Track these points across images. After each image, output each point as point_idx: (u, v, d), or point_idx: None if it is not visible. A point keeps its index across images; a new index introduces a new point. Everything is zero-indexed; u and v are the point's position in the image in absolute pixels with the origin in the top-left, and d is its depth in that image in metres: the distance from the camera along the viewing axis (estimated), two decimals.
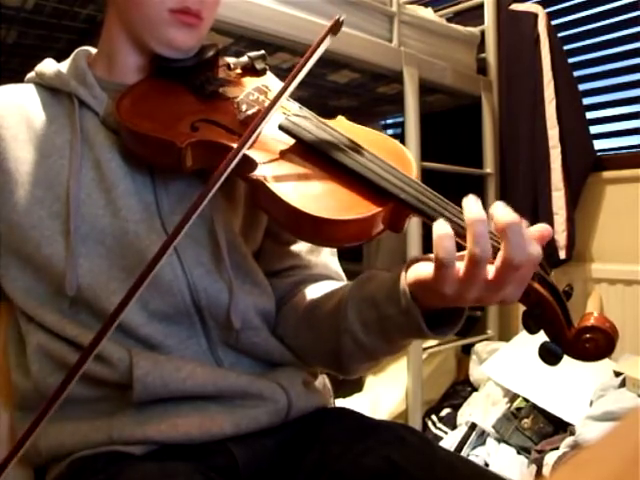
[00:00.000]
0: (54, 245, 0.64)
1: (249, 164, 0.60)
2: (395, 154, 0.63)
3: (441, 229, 0.49)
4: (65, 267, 0.63)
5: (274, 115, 0.63)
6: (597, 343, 0.51)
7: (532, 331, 0.53)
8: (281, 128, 0.64)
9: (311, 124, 0.64)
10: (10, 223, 0.65)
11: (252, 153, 0.61)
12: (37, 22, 1.23)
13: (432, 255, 0.52)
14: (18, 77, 0.74)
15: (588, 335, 0.51)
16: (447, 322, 0.57)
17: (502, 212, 0.48)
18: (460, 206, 0.52)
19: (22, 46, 1.37)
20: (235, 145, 0.58)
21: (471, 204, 0.50)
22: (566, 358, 0.53)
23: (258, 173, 0.59)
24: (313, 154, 0.61)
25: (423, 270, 0.53)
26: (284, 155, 0.62)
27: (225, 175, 0.55)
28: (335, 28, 0.62)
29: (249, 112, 0.65)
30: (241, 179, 0.62)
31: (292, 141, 0.63)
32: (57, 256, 0.63)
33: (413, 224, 1.69)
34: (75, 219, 0.63)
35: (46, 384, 0.65)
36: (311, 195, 0.57)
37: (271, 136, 0.64)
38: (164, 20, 0.66)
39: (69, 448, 0.63)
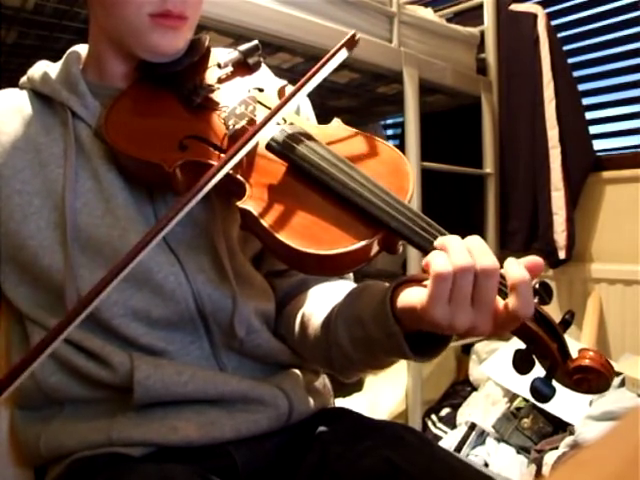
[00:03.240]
0: (53, 255, 0.63)
1: (238, 187, 0.59)
2: (391, 167, 0.61)
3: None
4: (64, 279, 0.62)
5: (269, 127, 0.61)
6: (590, 383, 0.50)
7: (522, 373, 0.52)
8: (269, 149, 0.61)
9: (302, 143, 0.61)
10: (7, 230, 0.64)
11: (241, 177, 0.59)
12: (37, 22, 1.23)
13: (421, 276, 0.53)
14: (18, 77, 0.73)
15: (582, 375, 0.50)
16: (433, 344, 0.56)
17: (515, 268, 0.48)
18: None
19: (22, 46, 1.37)
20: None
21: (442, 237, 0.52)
22: None
23: (247, 202, 0.57)
24: (303, 177, 0.59)
25: (414, 296, 0.52)
26: (273, 178, 0.60)
27: (198, 198, 0.54)
28: (350, 43, 0.60)
29: (236, 127, 0.63)
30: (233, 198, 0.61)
31: (282, 162, 0.61)
32: (56, 266, 0.63)
33: None
34: (72, 229, 0.63)
35: (48, 384, 0.65)
36: (300, 227, 0.55)
37: (261, 155, 0.62)
38: (145, 26, 0.63)
39: (69, 449, 0.63)
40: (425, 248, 0.52)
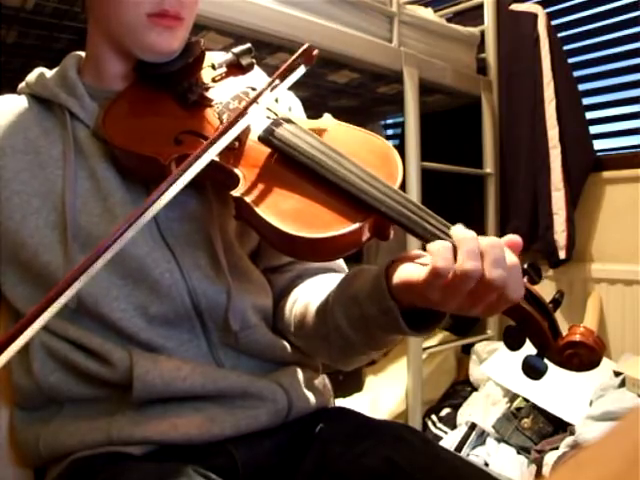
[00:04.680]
0: (52, 253, 0.64)
1: (232, 178, 0.60)
2: (380, 156, 0.63)
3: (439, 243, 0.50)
4: (63, 276, 0.63)
5: (259, 120, 0.63)
6: (581, 358, 0.51)
7: (513, 348, 0.53)
8: (261, 139, 0.63)
9: (292, 134, 0.63)
10: (7, 230, 0.65)
11: (235, 168, 0.61)
12: (37, 22, 1.23)
13: (415, 254, 0.54)
14: (18, 77, 0.74)
15: (573, 350, 0.51)
16: (429, 318, 0.57)
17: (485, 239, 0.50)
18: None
19: (22, 46, 1.37)
20: (217, 157, 0.58)
21: (458, 227, 0.52)
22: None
23: (240, 190, 0.59)
24: (294, 166, 0.60)
25: (408, 273, 0.53)
26: (265, 168, 0.61)
27: (190, 172, 0.55)
28: (308, 59, 0.62)
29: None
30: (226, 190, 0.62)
31: (274, 152, 0.62)
32: (55, 264, 0.64)
33: None
34: (72, 228, 0.64)
35: (47, 383, 0.65)
36: (292, 213, 0.57)
37: (253, 146, 0.63)
38: (143, 25, 0.65)
39: (68, 448, 0.63)
40: (415, 231, 0.53)
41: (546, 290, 0.53)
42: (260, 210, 0.57)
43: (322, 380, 0.78)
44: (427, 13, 1.98)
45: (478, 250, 0.48)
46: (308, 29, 1.45)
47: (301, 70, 0.65)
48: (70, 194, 0.64)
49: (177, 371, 0.63)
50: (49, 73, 0.72)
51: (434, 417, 1.86)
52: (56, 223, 0.65)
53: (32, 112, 0.70)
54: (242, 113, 0.61)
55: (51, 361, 0.65)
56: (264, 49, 1.47)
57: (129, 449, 0.61)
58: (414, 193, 1.73)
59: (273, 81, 0.63)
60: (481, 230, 2.11)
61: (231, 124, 0.59)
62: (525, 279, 0.52)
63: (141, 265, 0.64)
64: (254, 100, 0.62)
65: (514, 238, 0.52)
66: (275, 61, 1.58)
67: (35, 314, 0.48)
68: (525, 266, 0.52)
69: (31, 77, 0.72)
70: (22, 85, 0.73)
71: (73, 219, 0.64)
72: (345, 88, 1.94)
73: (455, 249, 0.49)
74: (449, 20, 2.20)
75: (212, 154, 0.57)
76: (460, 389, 1.97)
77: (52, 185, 0.65)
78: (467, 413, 1.77)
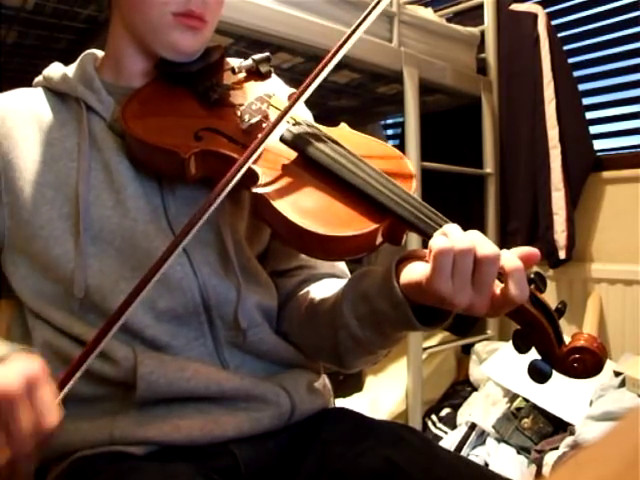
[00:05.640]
0: (63, 245, 0.64)
1: (252, 177, 0.61)
2: (395, 165, 0.64)
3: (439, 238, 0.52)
4: (74, 268, 0.63)
5: (282, 122, 0.63)
6: (585, 363, 0.52)
7: (521, 351, 0.54)
8: (282, 140, 0.65)
9: (313, 136, 0.65)
10: (19, 221, 0.66)
11: (254, 166, 0.61)
12: (37, 22, 1.23)
13: (421, 251, 0.55)
14: (18, 77, 0.74)
15: (577, 355, 0.52)
16: (437, 313, 0.58)
17: (509, 257, 0.52)
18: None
19: (22, 46, 1.37)
20: (237, 155, 0.59)
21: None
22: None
23: (260, 187, 0.60)
24: (314, 167, 0.62)
25: (418, 270, 0.54)
26: (286, 167, 0.63)
27: (229, 188, 0.56)
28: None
29: (252, 121, 0.66)
30: (245, 190, 0.63)
31: (294, 152, 0.64)
32: (66, 256, 0.64)
33: None
34: (84, 220, 0.64)
35: None
36: (311, 211, 0.58)
37: (274, 146, 0.64)
38: (168, 24, 0.66)
39: (70, 447, 0.63)
40: (430, 235, 0.55)
41: (546, 290, 0.53)
42: (279, 206, 0.58)
43: (322, 381, 0.78)
44: (427, 13, 1.98)
45: (465, 234, 0.52)
46: (308, 29, 1.44)
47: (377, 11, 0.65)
48: (84, 186, 0.65)
49: (181, 372, 0.63)
50: (68, 69, 0.74)
51: (434, 417, 1.86)
52: (69, 215, 0.65)
53: (47, 105, 0.71)
54: (296, 100, 0.61)
55: (55, 359, 0.65)
56: (264, 49, 1.47)
57: (131, 449, 0.61)
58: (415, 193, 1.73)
59: (347, 39, 0.63)
60: (481, 230, 2.09)
61: (279, 120, 0.60)
62: (532, 287, 0.53)
63: (151, 259, 0.63)
64: (313, 80, 0.61)
65: (530, 250, 0.53)
66: (275, 61, 1.58)
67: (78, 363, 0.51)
68: (532, 275, 0.53)
69: (49, 71, 0.73)
70: (39, 78, 0.74)
71: (86, 211, 0.65)
72: (345, 88, 1.94)
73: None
74: (449, 20, 2.20)
75: (252, 159, 0.58)
76: (460, 389, 1.97)
77: (66, 177, 0.66)
78: (467, 413, 1.77)
